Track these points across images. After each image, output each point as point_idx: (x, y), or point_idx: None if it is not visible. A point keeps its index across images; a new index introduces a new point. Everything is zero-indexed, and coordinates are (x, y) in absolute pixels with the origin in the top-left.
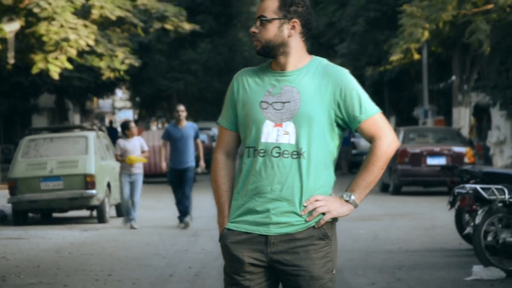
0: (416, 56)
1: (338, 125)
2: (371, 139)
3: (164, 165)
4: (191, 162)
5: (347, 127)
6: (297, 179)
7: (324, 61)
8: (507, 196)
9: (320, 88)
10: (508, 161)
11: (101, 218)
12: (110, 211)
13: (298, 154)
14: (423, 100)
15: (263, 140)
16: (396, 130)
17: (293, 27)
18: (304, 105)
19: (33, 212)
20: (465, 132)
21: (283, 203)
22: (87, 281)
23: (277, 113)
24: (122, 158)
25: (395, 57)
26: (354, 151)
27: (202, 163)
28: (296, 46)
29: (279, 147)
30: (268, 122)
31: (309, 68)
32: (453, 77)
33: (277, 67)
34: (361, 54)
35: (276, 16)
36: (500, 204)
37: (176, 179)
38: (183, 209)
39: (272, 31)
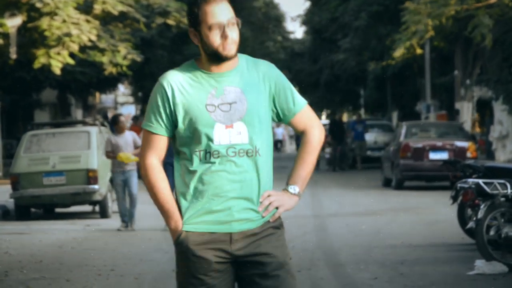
0: (419, 51)
1: (272, 119)
2: (303, 130)
3: None
4: None
5: (279, 121)
6: (254, 177)
7: (247, 56)
8: (509, 191)
9: (258, 85)
10: (510, 156)
11: (103, 213)
12: (113, 206)
13: (253, 152)
14: (426, 94)
15: (215, 142)
16: (399, 125)
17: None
18: (250, 104)
19: (36, 207)
20: (467, 126)
21: (243, 201)
22: (89, 276)
23: (225, 114)
24: (114, 155)
25: (398, 53)
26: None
27: None
28: None
29: (234, 147)
30: (219, 125)
31: (242, 66)
32: (456, 72)
33: (214, 69)
34: (364, 49)
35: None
36: (502, 199)
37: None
38: None
39: (238, 32)
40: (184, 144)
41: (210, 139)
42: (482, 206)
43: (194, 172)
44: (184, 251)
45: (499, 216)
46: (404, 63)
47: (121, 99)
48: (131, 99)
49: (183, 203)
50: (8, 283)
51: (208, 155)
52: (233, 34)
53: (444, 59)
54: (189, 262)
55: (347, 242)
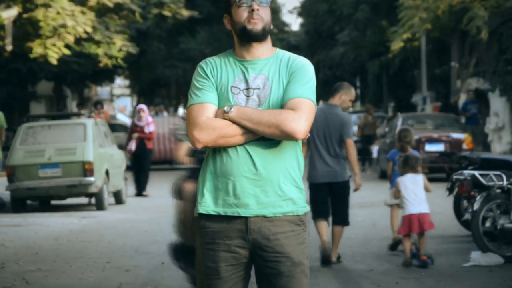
0: (415, 43)
1: None
2: None
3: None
4: None
5: None
6: (274, 162)
7: (287, 53)
8: (505, 182)
9: (282, 77)
10: (506, 147)
11: (99, 206)
12: (109, 199)
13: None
14: (422, 86)
15: None
16: (395, 117)
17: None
18: (274, 92)
19: (32, 199)
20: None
21: (262, 185)
22: (85, 268)
23: (247, 99)
24: None
25: (395, 46)
26: None
27: None
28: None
29: None
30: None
31: (276, 58)
32: (453, 63)
33: (246, 55)
34: (362, 41)
35: (269, 2)
36: (498, 190)
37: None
38: None
39: (269, 15)
40: None
41: None
42: (478, 198)
43: (213, 152)
44: (197, 231)
45: (495, 207)
46: (401, 56)
47: (117, 91)
48: (127, 91)
49: (201, 183)
50: (4, 275)
51: None
52: (262, 12)
53: (440, 51)
54: (204, 248)
55: (343, 234)
